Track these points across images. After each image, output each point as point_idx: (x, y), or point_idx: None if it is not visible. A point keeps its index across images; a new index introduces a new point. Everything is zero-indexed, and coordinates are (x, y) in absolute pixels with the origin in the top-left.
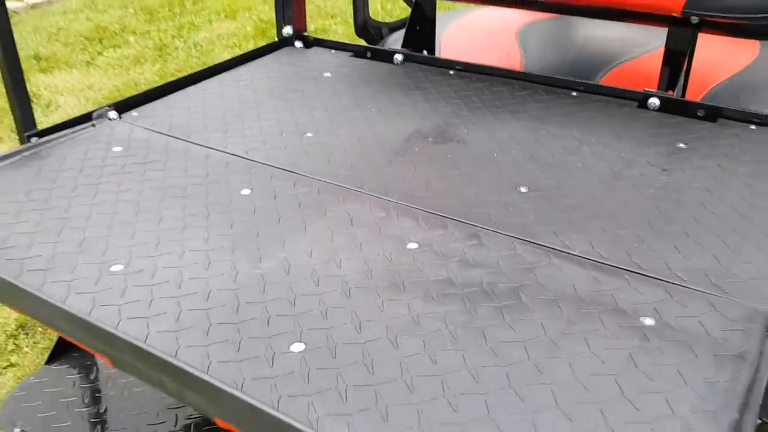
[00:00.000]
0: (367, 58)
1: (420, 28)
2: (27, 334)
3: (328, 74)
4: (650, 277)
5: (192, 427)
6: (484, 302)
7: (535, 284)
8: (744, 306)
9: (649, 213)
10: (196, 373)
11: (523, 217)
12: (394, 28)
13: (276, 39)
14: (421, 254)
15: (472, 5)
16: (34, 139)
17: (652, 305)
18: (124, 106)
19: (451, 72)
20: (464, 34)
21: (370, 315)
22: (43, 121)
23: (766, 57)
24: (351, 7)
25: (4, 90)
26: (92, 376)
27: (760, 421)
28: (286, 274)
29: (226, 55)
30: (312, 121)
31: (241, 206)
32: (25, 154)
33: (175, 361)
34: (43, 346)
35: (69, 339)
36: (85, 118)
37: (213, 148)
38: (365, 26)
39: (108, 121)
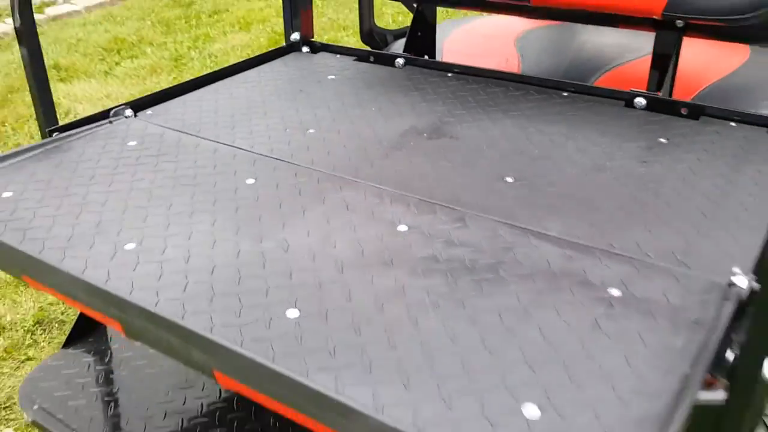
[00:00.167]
0: (370, 62)
1: (421, 33)
2: (44, 330)
3: (332, 77)
4: (620, 254)
5: (201, 405)
6: (465, 276)
7: (513, 261)
8: (704, 279)
9: (625, 200)
10: (201, 332)
11: (506, 203)
12: (398, 35)
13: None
14: (410, 235)
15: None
16: (55, 134)
17: (620, 278)
18: (139, 105)
19: (450, 74)
20: (466, 41)
21: (360, 287)
22: None
23: (756, 60)
24: None
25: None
26: (106, 360)
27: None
28: (285, 252)
29: None
30: (315, 118)
31: (245, 194)
32: (47, 147)
33: (182, 323)
34: (59, 341)
35: (85, 311)
36: (103, 116)
37: (221, 143)
38: (371, 33)
39: (124, 118)
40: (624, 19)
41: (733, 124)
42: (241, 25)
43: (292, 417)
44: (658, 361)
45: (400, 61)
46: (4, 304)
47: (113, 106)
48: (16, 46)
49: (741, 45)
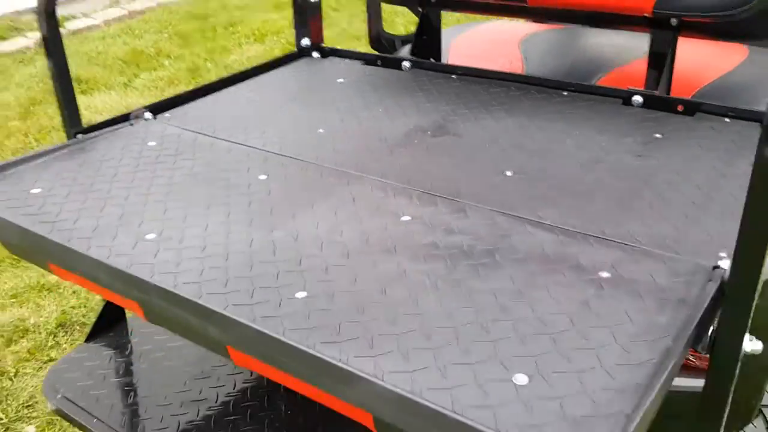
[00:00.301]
0: (378, 66)
1: (426, 37)
2: (66, 332)
3: (341, 80)
4: (612, 241)
5: (216, 395)
6: (463, 261)
7: (509, 247)
8: (691, 263)
9: (619, 191)
10: (217, 309)
11: (505, 194)
12: (405, 40)
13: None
14: (412, 225)
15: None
16: (79, 136)
17: (610, 262)
18: (158, 108)
19: (454, 76)
20: (471, 45)
21: (365, 271)
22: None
23: (753, 59)
24: None
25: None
26: (126, 353)
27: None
28: (295, 241)
29: None
30: (324, 119)
31: (257, 189)
32: (72, 147)
33: (199, 301)
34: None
35: (108, 295)
36: (124, 118)
37: (235, 142)
38: (379, 38)
39: (144, 120)
40: (619, 19)
41: (727, 120)
42: (255, 37)
43: (298, 388)
44: (642, 336)
45: (406, 64)
46: (28, 308)
47: (134, 109)
48: (38, 60)
49: (739, 45)
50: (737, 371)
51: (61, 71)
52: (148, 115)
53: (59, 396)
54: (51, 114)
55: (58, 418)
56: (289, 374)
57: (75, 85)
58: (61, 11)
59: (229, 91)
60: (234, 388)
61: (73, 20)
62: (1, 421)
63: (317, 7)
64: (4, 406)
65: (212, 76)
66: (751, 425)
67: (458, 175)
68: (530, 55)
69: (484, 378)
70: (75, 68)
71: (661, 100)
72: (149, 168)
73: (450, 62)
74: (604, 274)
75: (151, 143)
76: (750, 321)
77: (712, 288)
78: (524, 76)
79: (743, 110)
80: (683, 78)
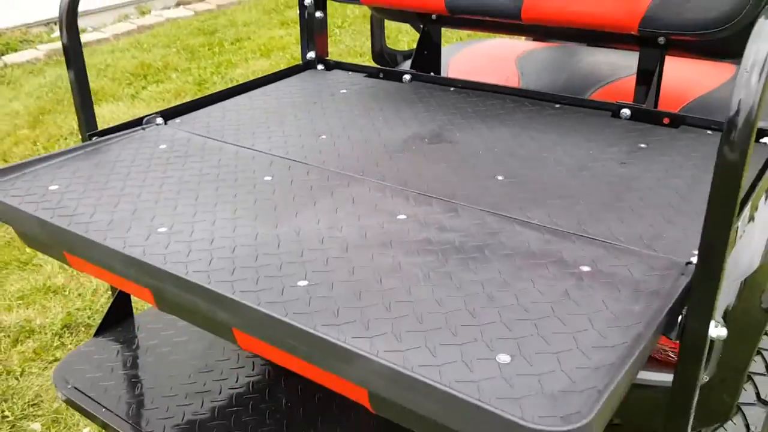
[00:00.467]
0: (380, 78)
1: (427, 52)
2: (71, 333)
3: (344, 91)
4: (593, 239)
5: (220, 387)
6: (454, 255)
7: (498, 243)
8: (666, 259)
9: (603, 195)
10: (225, 292)
11: (496, 197)
12: (407, 56)
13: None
14: (407, 223)
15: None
16: (94, 138)
17: (591, 258)
18: (169, 114)
19: (452, 89)
20: (470, 60)
21: (362, 263)
22: None
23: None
24: None
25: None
26: (133, 347)
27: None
28: (297, 236)
29: None
30: (326, 126)
31: (263, 188)
32: (87, 149)
33: (208, 285)
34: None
35: (120, 284)
36: (137, 123)
37: (242, 146)
38: (381, 53)
39: (155, 125)
40: (609, 37)
41: (709, 132)
42: (261, 52)
43: (299, 369)
44: (617, 323)
45: (406, 77)
46: (34, 309)
47: (146, 114)
48: (47, 71)
49: (727, 64)
50: (704, 357)
51: (79, 78)
52: (159, 120)
53: (69, 386)
54: (60, 123)
55: (63, 416)
56: (291, 354)
57: None
58: None
59: (237, 100)
60: (236, 382)
61: (83, 33)
62: (8, 419)
63: (323, 22)
64: (10, 405)
65: (218, 89)
66: (730, 422)
67: (452, 178)
68: (526, 71)
69: (470, 357)
70: None
71: (647, 113)
72: (160, 169)
73: (450, 76)
74: (585, 268)
75: (162, 146)
76: (715, 309)
77: (684, 281)
78: (519, 89)
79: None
80: (672, 93)
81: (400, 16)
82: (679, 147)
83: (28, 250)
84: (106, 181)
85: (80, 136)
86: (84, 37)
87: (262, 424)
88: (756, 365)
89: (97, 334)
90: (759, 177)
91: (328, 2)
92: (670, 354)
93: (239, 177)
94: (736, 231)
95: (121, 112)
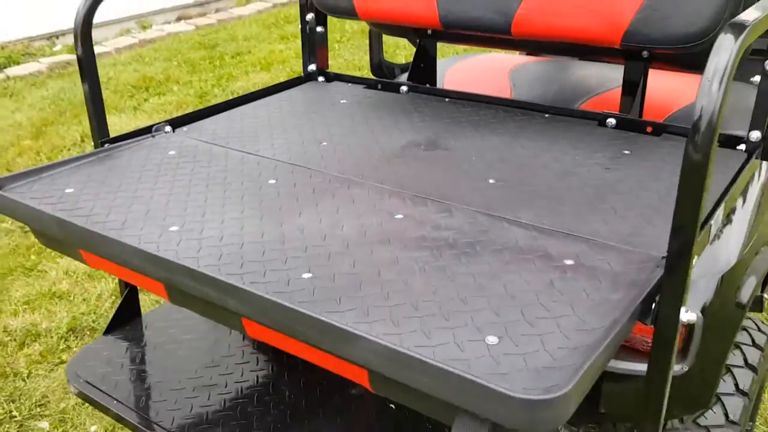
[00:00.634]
0: (378, 89)
1: (423, 65)
2: (77, 336)
3: (344, 101)
4: (578, 236)
5: (225, 381)
6: (447, 251)
7: (488, 240)
8: (644, 254)
9: (588, 197)
10: (235, 283)
11: (487, 198)
12: (404, 69)
13: (302, 75)
14: (405, 221)
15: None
16: (106, 145)
17: (575, 253)
18: (177, 123)
19: (447, 99)
20: (465, 73)
21: (362, 257)
22: None
23: None
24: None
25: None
26: (141, 344)
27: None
28: (301, 233)
29: None
30: (327, 133)
31: (268, 191)
32: (100, 155)
33: (219, 276)
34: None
35: (134, 279)
36: (146, 131)
37: (247, 152)
38: (380, 66)
39: (164, 133)
40: (595, 50)
41: None
42: (262, 66)
43: (303, 353)
44: (597, 309)
45: (404, 88)
46: (39, 314)
47: (155, 123)
48: (50, 83)
49: None
50: (676, 340)
51: (93, 87)
52: (168, 128)
53: (81, 380)
54: (62, 134)
55: (70, 416)
56: (297, 339)
57: (86, 109)
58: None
59: (241, 109)
60: (241, 376)
61: None
62: (15, 419)
63: (323, 36)
64: (18, 405)
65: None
66: (710, 412)
67: (447, 182)
68: (518, 83)
69: (461, 339)
70: None
71: (632, 122)
72: (170, 173)
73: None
74: (569, 262)
75: (171, 152)
76: (686, 296)
77: (659, 273)
78: (510, 100)
79: None
80: (657, 104)
81: (397, 30)
82: (661, 153)
83: (32, 257)
84: (119, 185)
85: (83, 146)
86: None
87: (266, 414)
88: (735, 358)
89: (106, 332)
90: (734, 180)
91: (328, 17)
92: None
93: (245, 180)
94: (710, 228)
95: (123, 123)
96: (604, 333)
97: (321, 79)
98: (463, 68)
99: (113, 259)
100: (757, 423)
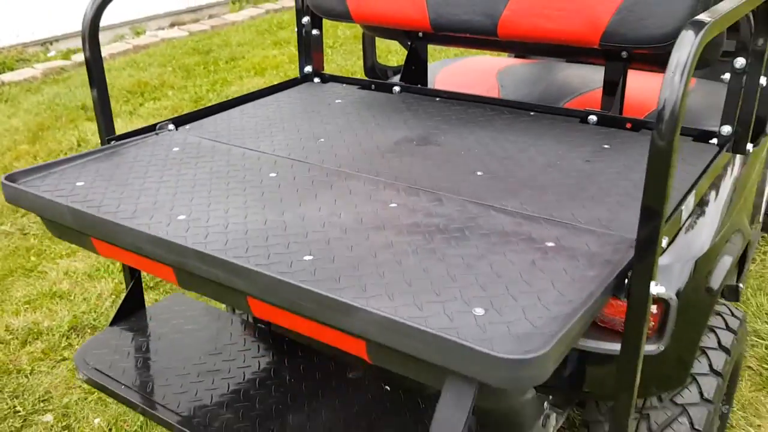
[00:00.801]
0: (372, 90)
1: (414, 67)
2: (78, 334)
3: (339, 100)
4: (558, 221)
5: (228, 367)
6: (438, 235)
7: (476, 226)
8: (618, 236)
9: (569, 186)
10: (241, 262)
11: (475, 188)
12: (396, 71)
13: (298, 76)
14: (398, 210)
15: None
16: (113, 142)
17: (556, 236)
18: (179, 121)
19: (438, 99)
20: (455, 75)
21: (359, 241)
22: None
23: (698, 88)
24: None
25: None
26: (147, 334)
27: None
28: (302, 221)
29: None
30: (324, 130)
31: (269, 183)
32: (107, 152)
33: (228, 258)
34: None
35: (143, 265)
36: (150, 129)
37: (248, 148)
38: (373, 68)
39: (167, 131)
40: (577, 51)
41: None
42: (256, 71)
43: (305, 329)
44: (574, 284)
45: (396, 88)
46: (41, 313)
47: (159, 121)
48: (45, 89)
49: None
50: (648, 313)
51: (100, 87)
52: (171, 126)
53: (90, 367)
54: (59, 138)
55: (73, 410)
56: (300, 315)
57: (82, 113)
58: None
59: (241, 108)
60: (244, 362)
61: (79, 53)
62: (20, 414)
63: (319, 39)
64: (21, 400)
65: None
66: (686, 391)
67: (437, 174)
68: (506, 84)
69: (451, 310)
70: (82, 98)
71: (612, 118)
72: (175, 168)
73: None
74: (550, 244)
75: (176, 149)
76: (655, 270)
77: (632, 253)
78: (498, 99)
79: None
80: (638, 102)
81: (390, 33)
82: (638, 147)
83: (32, 258)
84: (126, 179)
85: (79, 151)
86: (80, 57)
87: (267, 396)
88: (709, 341)
89: (112, 323)
90: (705, 170)
91: (323, 21)
92: None
93: (247, 174)
94: (681, 213)
95: (120, 127)
96: (580, 304)
97: (317, 80)
98: (452, 70)
99: (125, 246)
100: (735, 409)
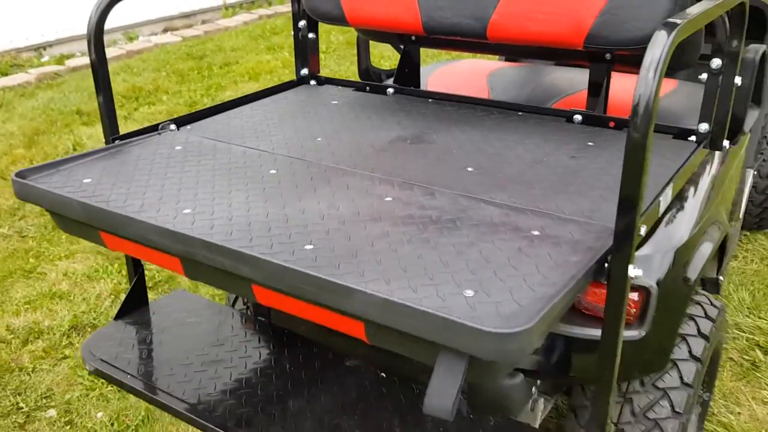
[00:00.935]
0: (366, 92)
1: (407, 70)
2: (78, 333)
3: (335, 102)
4: (544, 212)
5: (231, 357)
6: (431, 226)
7: (467, 217)
8: (601, 226)
9: (555, 181)
10: (246, 251)
11: (466, 183)
12: (389, 74)
13: (295, 79)
14: (393, 203)
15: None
16: (117, 141)
17: (541, 225)
18: (181, 122)
19: (430, 100)
20: (446, 78)
21: (357, 232)
22: None
23: (679, 89)
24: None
25: (47, 142)
26: (150, 327)
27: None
28: (302, 214)
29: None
30: (321, 130)
31: (270, 179)
32: (111, 151)
33: (233, 246)
34: None
35: (150, 256)
36: (153, 129)
37: (248, 147)
38: (367, 71)
39: (169, 131)
40: (563, 53)
41: None
42: (250, 76)
43: (307, 313)
44: (558, 269)
45: (390, 90)
46: (41, 313)
47: (161, 121)
48: (40, 94)
49: (668, 79)
50: (627, 296)
51: (104, 88)
52: (173, 126)
53: (96, 358)
54: (54, 143)
55: (75, 406)
56: (302, 299)
57: (77, 117)
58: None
59: (240, 110)
60: (245, 352)
61: (72, 58)
62: (23, 410)
63: (315, 42)
64: (24, 397)
65: None
66: (667, 375)
67: (430, 170)
68: (495, 86)
69: (443, 292)
70: (77, 102)
71: (596, 117)
72: (178, 165)
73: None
74: (536, 233)
75: (178, 148)
76: (632, 255)
77: (612, 240)
78: (488, 100)
79: (660, 125)
80: (623, 103)
81: (383, 37)
82: (621, 145)
83: (31, 260)
84: (132, 175)
85: (81, 150)
86: (73, 62)
87: (269, 384)
88: (689, 328)
89: (117, 317)
90: (683, 165)
91: (319, 25)
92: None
93: (248, 171)
94: (659, 204)
95: None
96: (562, 286)
97: (313, 82)
98: (444, 73)
99: (134, 238)
100: (716, 397)
